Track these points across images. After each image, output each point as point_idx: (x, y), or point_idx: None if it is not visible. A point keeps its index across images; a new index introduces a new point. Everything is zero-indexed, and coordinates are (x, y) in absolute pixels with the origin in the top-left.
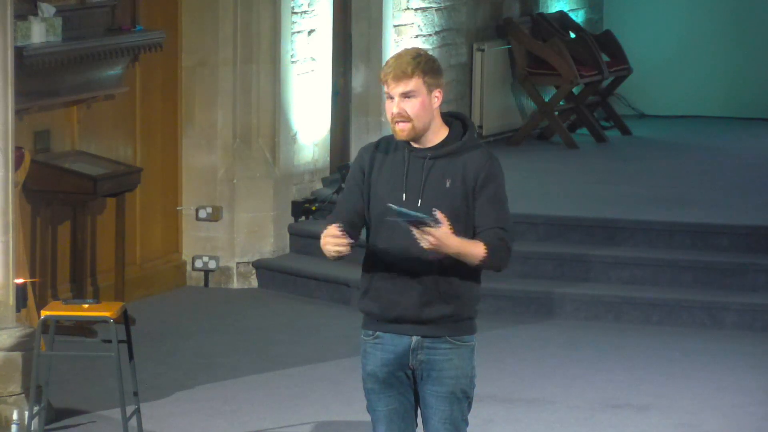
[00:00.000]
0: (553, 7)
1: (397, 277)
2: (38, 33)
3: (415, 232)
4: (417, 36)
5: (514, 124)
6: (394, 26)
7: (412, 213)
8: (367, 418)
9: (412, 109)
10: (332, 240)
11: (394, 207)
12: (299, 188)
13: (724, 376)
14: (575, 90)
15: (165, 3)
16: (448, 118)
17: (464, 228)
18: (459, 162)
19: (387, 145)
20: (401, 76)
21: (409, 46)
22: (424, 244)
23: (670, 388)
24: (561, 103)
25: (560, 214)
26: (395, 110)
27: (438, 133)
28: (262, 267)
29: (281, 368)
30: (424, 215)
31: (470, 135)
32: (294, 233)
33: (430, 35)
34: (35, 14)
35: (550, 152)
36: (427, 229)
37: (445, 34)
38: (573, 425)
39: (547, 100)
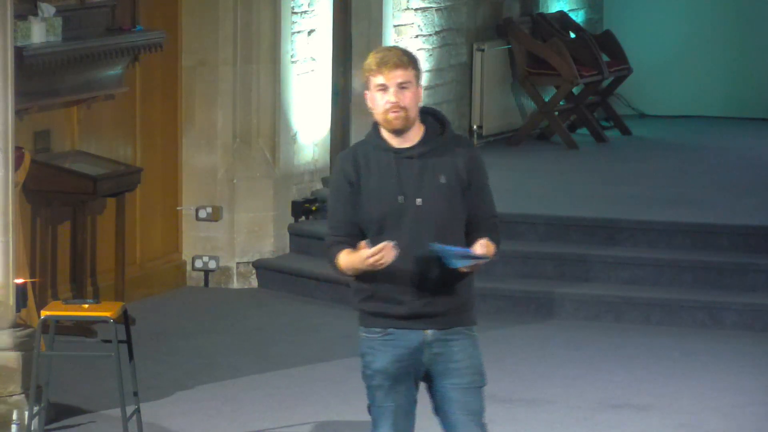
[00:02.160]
0: (553, 7)
1: (405, 275)
2: (38, 33)
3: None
4: (417, 36)
5: (514, 124)
6: (394, 26)
7: (470, 254)
8: (366, 418)
9: (407, 100)
10: (380, 255)
11: (441, 248)
12: (299, 188)
13: (724, 376)
14: (575, 90)
15: (165, 3)
16: (421, 114)
17: (461, 220)
18: (447, 156)
19: (365, 150)
20: (399, 65)
21: (407, 46)
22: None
23: (670, 388)
24: (561, 103)
25: (560, 214)
26: (392, 99)
27: (418, 129)
28: (262, 267)
29: (281, 368)
30: (480, 256)
31: (450, 129)
32: (294, 233)
33: (430, 35)
34: (35, 14)
35: (550, 152)
36: (481, 262)
37: (445, 34)
38: (573, 425)
39: (547, 100)
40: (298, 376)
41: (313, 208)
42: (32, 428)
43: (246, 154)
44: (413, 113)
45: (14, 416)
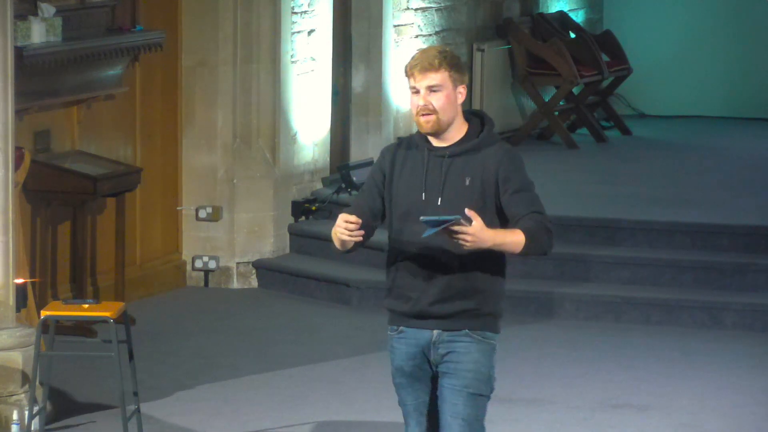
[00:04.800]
0: (553, 7)
1: (418, 273)
2: (38, 33)
3: (449, 236)
4: (417, 36)
5: (514, 124)
6: (394, 26)
7: (444, 218)
8: (366, 418)
9: (437, 102)
10: (346, 225)
11: (425, 218)
12: (299, 188)
13: (724, 376)
14: (575, 90)
15: (165, 3)
16: (468, 115)
17: (486, 224)
18: (478, 159)
19: (408, 144)
20: (428, 68)
21: (415, 46)
22: (465, 246)
23: (670, 388)
24: (561, 103)
25: (560, 214)
26: (421, 103)
27: (459, 131)
28: (262, 267)
29: (281, 368)
30: (456, 216)
31: (487, 131)
32: (294, 233)
33: (430, 35)
34: (35, 14)
35: (550, 152)
36: (462, 228)
37: (445, 34)
38: (573, 425)
39: (547, 100)
40: (298, 376)
41: (313, 208)
42: (32, 428)
43: (246, 154)
44: (446, 116)
45: (14, 416)
